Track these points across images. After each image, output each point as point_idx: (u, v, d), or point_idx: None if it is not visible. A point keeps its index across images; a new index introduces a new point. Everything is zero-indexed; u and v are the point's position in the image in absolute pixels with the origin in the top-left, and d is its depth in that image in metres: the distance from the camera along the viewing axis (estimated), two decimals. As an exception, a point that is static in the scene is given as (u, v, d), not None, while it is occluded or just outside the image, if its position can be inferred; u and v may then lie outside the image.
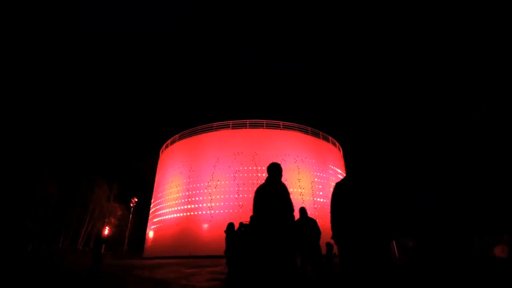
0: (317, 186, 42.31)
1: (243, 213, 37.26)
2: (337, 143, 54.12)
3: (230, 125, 45.40)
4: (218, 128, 45.73)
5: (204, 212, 38.74)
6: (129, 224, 50.40)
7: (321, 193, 42.10)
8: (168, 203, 43.51)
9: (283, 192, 5.47)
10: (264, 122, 45.32)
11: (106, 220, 57.76)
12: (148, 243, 45.71)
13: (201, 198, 39.91)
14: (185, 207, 40.53)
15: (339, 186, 5.08)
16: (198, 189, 40.72)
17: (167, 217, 42.68)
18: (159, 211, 45.29)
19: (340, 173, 49.10)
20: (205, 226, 37.42)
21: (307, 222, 9.89)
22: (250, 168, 40.05)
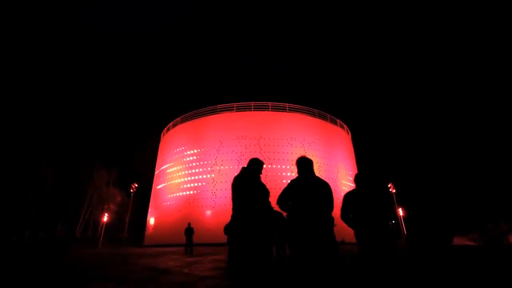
0: (324, 171, 42.12)
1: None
2: (345, 125, 53.70)
3: (234, 108, 45.13)
4: (222, 110, 45.49)
5: (207, 198, 38.79)
6: (129, 211, 50.62)
7: (325, 177, 41.94)
8: (170, 189, 43.61)
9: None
10: (270, 104, 44.95)
11: (105, 206, 58.00)
12: (148, 231, 46.05)
13: (204, 183, 39.97)
14: (188, 193, 40.63)
15: (350, 195, 6.65)
16: (201, 174, 40.75)
17: (168, 203, 42.83)
18: (160, 197, 45.43)
19: (348, 157, 48.85)
20: (208, 212, 37.52)
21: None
22: (255, 152, 39.79)
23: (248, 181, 6.16)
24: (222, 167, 39.83)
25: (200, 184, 40.14)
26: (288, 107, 45.37)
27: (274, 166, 39.16)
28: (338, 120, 51.14)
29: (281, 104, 45.30)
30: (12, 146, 50.93)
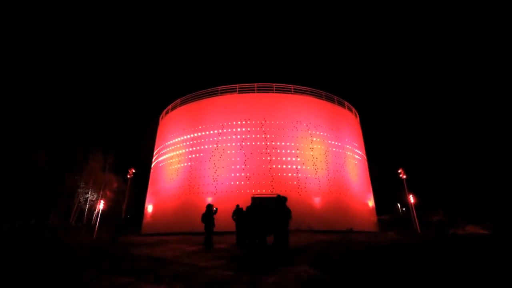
0: (331, 156, 41.92)
1: (250, 185, 37.24)
2: (353, 108, 53.16)
3: (237, 89, 44.65)
4: (223, 92, 45.06)
5: (208, 184, 38.76)
6: (126, 198, 50.72)
7: (332, 162, 41.73)
8: (169, 174, 43.58)
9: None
10: (274, 86, 44.42)
11: (101, 193, 58.16)
12: (146, 218, 46.12)
13: (204, 169, 39.85)
14: (187, 178, 40.56)
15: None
16: (202, 159, 40.61)
17: (167, 189, 42.83)
18: (159, 183, 45.45)
19: (356, 141, 48.57)
20: (209, 199, 37.51)
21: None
22: (258, 136, 39.65)
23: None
24: (223, 152, 39.64)
25: (200, 169, 40.04)
26: (294, 89, 44.87)
27: (278, 150, 38.94)
28: (346, 103, 50.61)
29: (286, 85, 44.79)
30: (2, 131, 50.89)
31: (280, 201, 13.65)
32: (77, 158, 59.57)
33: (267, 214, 14.11)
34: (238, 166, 38.41)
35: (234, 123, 41.13)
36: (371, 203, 45.87)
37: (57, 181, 55.94)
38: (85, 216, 59.94)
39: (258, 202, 16.95)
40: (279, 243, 13.11)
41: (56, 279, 8.35)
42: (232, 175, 38.17)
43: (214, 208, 19.22)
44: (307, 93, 45.58)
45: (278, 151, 39.04)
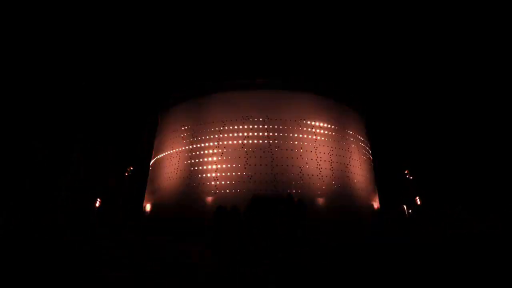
0: (336, 154, 41.44)
1: (252, 185, 36.77)
2: (360, 107, 52.62)
3: (239, 85, 44.21)
4: (225, 88, 44.60)
5: (208, 183, 38.37)
6: (124, 196, 50.38)
7: (337, 162, 41.26)
8: (168, 173, 43.18)
9: None
10: (277, 83, 43.99)
11: (99, 191, 57.79)
12: (145, 217, 45.60)
13: (205, 167, 39.48)
14: (187, 177, 40.16)
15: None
16: (202, 157, 40.23)
17: (166, 188, 42.43)
18: (158, 181, 45.06)
19: (362, 140, 48.07)
20: (209, 198, 37.11)
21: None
22: (261, 134, 39.26)
23: None
24: (225, 150, 39.23)
25: (200, 168, 39.64)
26: (298, 85, 44.37)
27: (281, 149, 38.51)
28: (352, 101, 50.02)
29: (290, 81, 44.33)
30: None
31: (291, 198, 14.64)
32: (75, 154, 59.23)
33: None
34: (239, 165, 37.98)
35: (236, 120, 40.69)
36: (376, 204, 45.42)
37: (54, 177, 55.59)
38: (81, 214, 59.39)
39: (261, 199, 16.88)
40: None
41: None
42: (234, 174, 37.75)
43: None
44: (312, 90, 45.04)
45: (281, 149, 38.61)
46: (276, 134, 39.37)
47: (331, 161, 40.60)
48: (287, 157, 38.35)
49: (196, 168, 40.08)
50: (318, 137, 40.95)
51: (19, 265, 9.89)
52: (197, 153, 40.85)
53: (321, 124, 42.12)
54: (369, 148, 51.12)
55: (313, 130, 41.01)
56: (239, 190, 36.62)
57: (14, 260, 10.90)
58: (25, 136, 52.81)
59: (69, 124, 64.42)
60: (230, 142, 39.66)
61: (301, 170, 38.06)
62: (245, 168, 37.66)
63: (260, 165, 37.56)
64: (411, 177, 44.87)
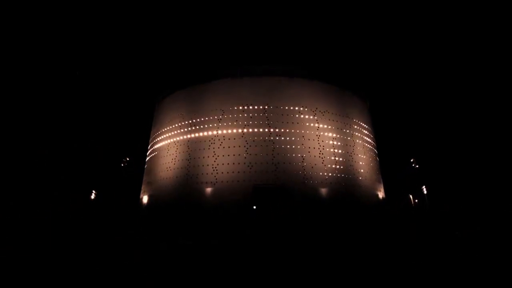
0: (338, 143, 40.93)
1: (252, 175, 36.38)
2: (363, 94, 51.99)
3: (238, 73, 43.57)
4: (224, 75, 43.93)
5: (207, 173, 37.93)
6: (120, 188, 50.08)
7: (340, 151, 40.73)
8: (165, 163, 42.78)
9: None
10: (278, 69, 43.35)
11: (94, 183, 57.46)
12: (141, 210, 45.37)
13: (203, 157, 39.05)
14: (185, 167, 39.73)
15: None
16: (200, 147, 39.77)
17: (164, 179, 42.05)
18: (154, 172, 44.68)
19: (366, 128, 47.49)
20: (209, 190, 36.74)
21: None
22: (261, 122, 38.71)
23: None
24: (224, 139, 38.73)
25: (199, 158, 39.21)
26: (299, 72, 43.75)
27: (282, 138, 38.01)
28: (355, 88, 49.42)
29: (291, 68, 43.75)
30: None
31: None
32: (70, 145, 58.98)
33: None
34: (239, 155, 37.52)
35: (236, 108, 40.11)
36: (381, 194, 45.01)
37: (50, 168, 55.40)
38: (78, 207, 59.24)
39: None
40: None
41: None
42: (233, 164, 37.28)
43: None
44: (314, 77, 44.42)
45: (282, 138, 38.11)
46: (277, 122, 38.88)
47: (334, 150, 40.11)
48: (288, 146, 37.87)
49: (194, 158, 39.63)
50: (321, 125, 40.43)
51: (19, 265, 9.79)
52: (195, 142, 40.37)
53: (324, 112, 41.57)
54: (374, 136, 50.61)
55: (316, 117, 40.44)
56: (239, 180, 36.22)
57: (14, 260, 10.81)
58: (22, 133, 52.54)
59: (64, 115, 64.00)
60: (229, 131, 39.14)
61: (303, 159, 37.62)
62: (245, 157, 37.18)
63: (261, 154, 37.11)
64: (417, 166, 44.38)
